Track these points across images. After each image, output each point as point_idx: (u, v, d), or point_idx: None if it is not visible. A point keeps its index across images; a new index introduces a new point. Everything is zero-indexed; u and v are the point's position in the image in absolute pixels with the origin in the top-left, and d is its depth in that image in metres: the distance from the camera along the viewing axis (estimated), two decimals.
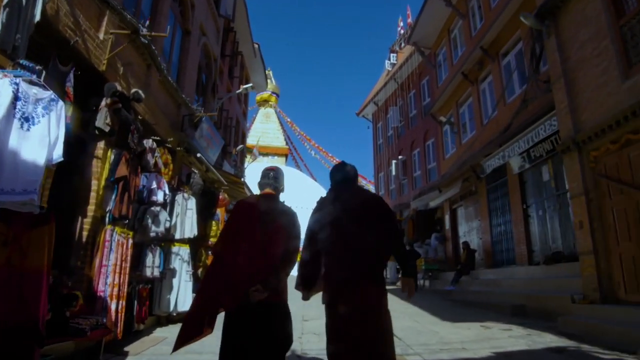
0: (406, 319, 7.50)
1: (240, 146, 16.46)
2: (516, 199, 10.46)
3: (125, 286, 4.91)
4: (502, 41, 11.60)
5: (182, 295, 6.86)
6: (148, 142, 6.26)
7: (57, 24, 4.07)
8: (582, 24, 6.96)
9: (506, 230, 11.13)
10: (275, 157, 51.42)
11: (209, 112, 10.38)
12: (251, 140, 48.51)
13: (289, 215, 2.85)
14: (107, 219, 4.88)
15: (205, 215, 9.26)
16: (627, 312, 5.48)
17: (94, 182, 4.90)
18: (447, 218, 15.43)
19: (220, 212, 9.58)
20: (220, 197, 9.50)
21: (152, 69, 6.59)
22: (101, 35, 5.03)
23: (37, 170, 3.06)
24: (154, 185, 6.05)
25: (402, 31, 26.04)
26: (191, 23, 8.87)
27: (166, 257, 6.83)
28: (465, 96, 14.31)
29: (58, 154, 3.28)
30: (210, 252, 8.98)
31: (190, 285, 7.03)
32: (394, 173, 21.79)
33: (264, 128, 51.37)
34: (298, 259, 2.87)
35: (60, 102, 3.41)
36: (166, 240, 6.98)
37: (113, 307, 4.63)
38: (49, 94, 3.31)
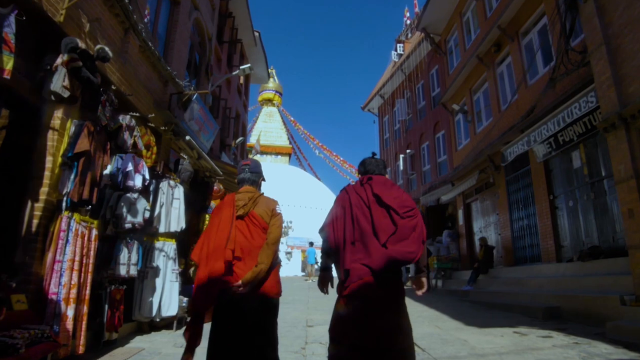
0: (426, 324, 6.54)
1: (241, 138, 15.55)
2: (541, 190, 9.47)
3: (88, 287, 3.98)
4: (522, 19, 10.62)
5: (166, 297, 5.93)
6: (125, 119, 5.35)
7: None
8: None
9: (529, 224, 10.14)
10: (278, 157, 50.73)
11: (203, 95, 9.47)
12: (254, 139, 47.98)
13: (268, 205, 2.80)
14: (63, 204, 3.95)
15: (198, 207, 8.37)
16: None
17: (49, 159, 3.97)
18: (460, 213, 14.43)
19: (215, 205, 8.64)
20: (215, 188, 8.58)
21: (131, 33, 5.67)
22: None
23: None
24: (130, 168, 5.12)
25: (408, 21, 25.07)
26: None
27: (148, 253, 5.91)
28: (480, 82, 13.32)
29: None
30: None
31: (176, 286, 6.09)
32: (401, 168, 20.83)
33: (267, 127, 50.75)
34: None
35: None
36: (149, 234, 6.06)
37: (69, 313, 3.70)
38: None
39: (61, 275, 3.69)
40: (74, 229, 3.85)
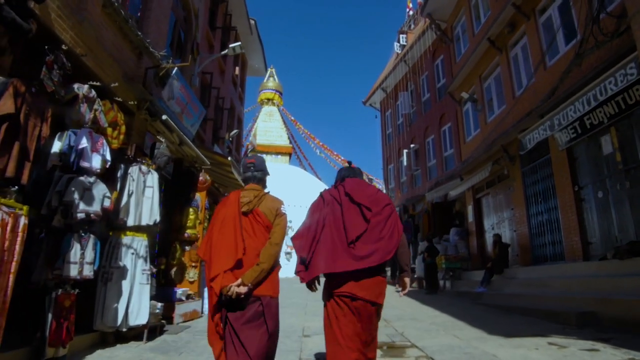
0: (442, 333, 5.60)
1: (235, 131, 14.62)
2: (564, 180, 8.53)
3: (8, 291, 3.03)
4: None
5: (135, 303, 4.99)
6: (82, 88, 4.43)
7: None
8: None
9: (550, 219, 9.19)
10: (279, 156, 49.95)
11: (189, 75, 8.55)
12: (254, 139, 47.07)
13: (273, 205, 2.74)
14: None
15: (181, 200, 7.44)
16: None
17: None
18: (470, 209, 13.49)
19: (201, 197, 7.72)
20: (201, 178, 7.65)
21: None
22: None
23: None
24: (85, 144, 4.20)
25: (411, 12, 24.13)
26: None
27: (113, 250, 4.98)
28: (492, 67, 12.37)
29: None
30: (186, 248, 7.15)
31: (147, 289, 5.15)
32: (405, 164, 19.89)
33: (267, 127, 49.97)
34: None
35: None
36: (115, 228, 5.14)
37: None
38: None
39: None
40: None
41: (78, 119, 4.43)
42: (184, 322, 6.60)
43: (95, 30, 4.95)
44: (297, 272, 2.69)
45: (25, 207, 3.22)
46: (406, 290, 2.73)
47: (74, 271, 4.01)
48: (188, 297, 6.97)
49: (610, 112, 7.09)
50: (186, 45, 8.62)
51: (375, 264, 2.49)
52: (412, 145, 19.57)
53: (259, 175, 2.89)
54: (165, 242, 7.44)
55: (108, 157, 4.58)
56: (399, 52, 21.87)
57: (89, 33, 4.72)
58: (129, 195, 5.17)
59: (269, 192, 2.87)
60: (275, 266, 2.65)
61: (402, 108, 20.93)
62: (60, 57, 4.09)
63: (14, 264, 3.05)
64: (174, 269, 7.16)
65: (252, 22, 16.71)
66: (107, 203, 4.46)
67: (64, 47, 4.15)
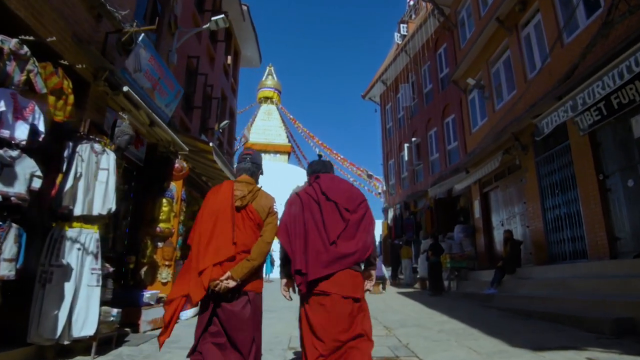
0: (454, 344, 4.68)
1: (226, 122, 13.69)
2: (586, 169, 7.62)
3: None
4: None
5: (81, 309, 4.07)
6: (9, 42, 3.53)
7: None
8: None
9: (569, 212, 8.28)
10: (277, 155, 49.34)
11: (165, 51, 7.65)
12: (252, 137, 46.48)
13: (266, 202, 2.72)
14: None
15: (153, 190, 6.53)
16: None
17: None
18: (476, 205, 12.57)
19: (177, 187, 6.80)
20: (177, 165, 6.73)
21: None
22: None
23: None
24: (3, 108, 3.28)
25: (412, 2, 23.20)
26: None
27: (55, 245, 4.06)
28: (500, 50, 11.47)
29: None
30: (159, 244, 6.24)
31: (97, 292, 4.22)
32: (406, 158, 19.00)
33: (266, 125, 49.43)
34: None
35: None
36: (59, 218, 4.22)
37: None
38: None
39: None
40: None
41: (2, 79, 3.52)
42: (154, 329, 5.68)
43: None
44: (298, 285, 2.55)
45: None
46: (372, 283, 2.72)
47: None
48: (159, 300, 6.06)
49: None
50: (163, 18, 7.69)
51: (359, 261, 2.54)
52: (413, 139, 18.68)
53: (253, 168, 2.86)
54: (135, 237, 6.54)
55: (42, 128, 3.67)
56: (399, 42, 20.97)
57: None
58: (77, 178, 4.26)
59: (261, 187, 2.82)
60: (263, 263, 2.66)
61: (402, 101, 20.03)
62: None
63: None
64: (144, 269, 6.25)
65: (245, 7, 15.81)
66: (37, 184, 3.54)
67: None
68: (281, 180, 33.31)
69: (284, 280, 2.74)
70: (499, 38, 11.27)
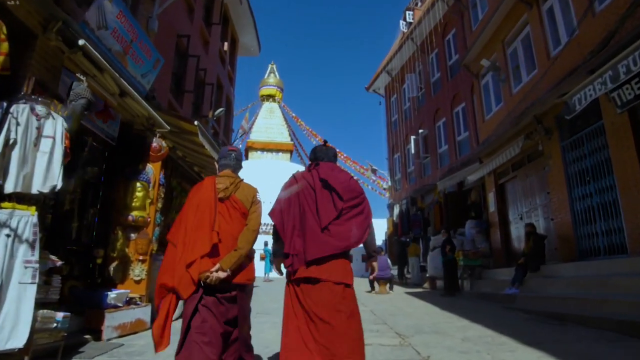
0: (486, 359, 3.72)
1: (221, 109, 12.74)
2: (625, 152, 6.65)
3: None
4: None
5: (9, 313, 3.14)
6: None
7: None
8: None
9: (602, 202, 7.30)
10: (280, 153, 48.59)
11: (144, 17, 6.73)
12: (254, 136, 45.75)
13: (249, 192, 2.77)
14: None
15: (126, 172, 5.61)
16: None
17: None
18: (491, 197, 11.58)
19: (154, 170, 5.86)
20: (154, 145, 5.80)
21: None
22: None
23: None
24: None
25: None
26: None
27: None
28: (518, 28, 10.48)
29: None
30: (132, 236, 5.34)
31: (32, 292, 3.27)
32: (413, 151, 18.04)
33: (268, 124, 48.79)
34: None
35: None
36: None
37: None
38: None
39: None
40: None
41: None
42: (121, 336, 4.75)
43: None
44: (287, 266, 2.60)
45: None
46: (375, 274, 2.88)
47: None
48: (130, 301, 5.13)
49: None
50: None
51: (349, 248, 2.55)
52: (420, 131, 17.73)
53: (237, 165, 2.93)
54: (104, 227, 5.62)
55: None
56: (405, 30, 19.97)
57: None
58: (8, 146, 3.33)
59: (243, 180, 2.86)
60: (252, 254, 2.66)
61: (409, 91, 19.06)
62: None
63: None
64: (114, 264, 5.32)
65: None
66: None
67: None
68: (283, 179, 32.35)
69: (277, 259, 2.74)
70: (516, 15, 10.29)
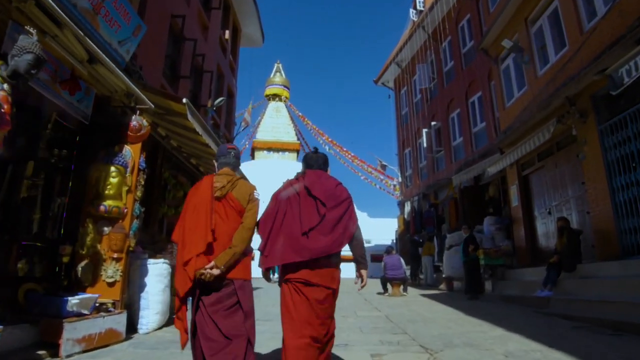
0: None
1: (222, 98, 11.90)
2: None
3: None
4: None
5: None
6: None
7: None
8: None
9: None
10: (286, 153, 48.02)
11: None
12: (261, 135, 45.14)
13: (246, 189, 2.75)
14: None
15: (99, 155, 4.78)
16: None
17: None
18: (514, 190, 10.62)
19: (132, 152, 5.00)
20: (133, 123, 4.96)
21: None
22: None
23: None
24: None
25: None
26: None
27: None
28: (543, 4, 9.52)
29: None
30: (105, 229, 4.49)
31: None
32: (425, 145, 17.09)
33: (274, 123, 48.25)
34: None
35: None
36: None
37: None
38: None
39: None
40: None
41: None
42: (85, 351, 3.90)
43: None
44: (260, 264, 2.73)
45: None
46: (364, 283, 2.81)
47: None
48: (99, 308, 4.28)
49: None
50: None
51: (324, 254, 2.56)
52: (433, 124, 16.77)
53: (236, 163, 2.92)
54: (74, 220, 4.78)
55: None
56: (415, 19, 19.04)
57: None
58: None
59: (240, 178, 2.84)
60: (248, 251, 2.67)
61: (420, 82, 18.11)
62: None
63: None
64: (83, 263, 4.48)
65: None
66: None
67: None
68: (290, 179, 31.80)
69: (264, 273, 2.93)
70: None
